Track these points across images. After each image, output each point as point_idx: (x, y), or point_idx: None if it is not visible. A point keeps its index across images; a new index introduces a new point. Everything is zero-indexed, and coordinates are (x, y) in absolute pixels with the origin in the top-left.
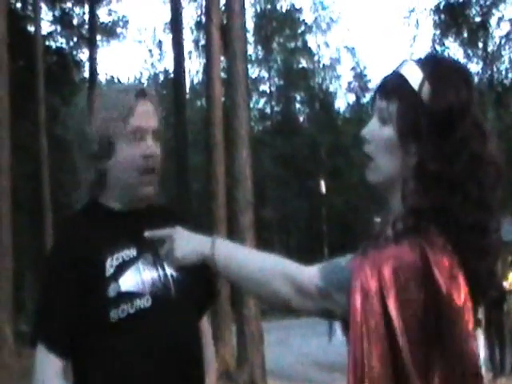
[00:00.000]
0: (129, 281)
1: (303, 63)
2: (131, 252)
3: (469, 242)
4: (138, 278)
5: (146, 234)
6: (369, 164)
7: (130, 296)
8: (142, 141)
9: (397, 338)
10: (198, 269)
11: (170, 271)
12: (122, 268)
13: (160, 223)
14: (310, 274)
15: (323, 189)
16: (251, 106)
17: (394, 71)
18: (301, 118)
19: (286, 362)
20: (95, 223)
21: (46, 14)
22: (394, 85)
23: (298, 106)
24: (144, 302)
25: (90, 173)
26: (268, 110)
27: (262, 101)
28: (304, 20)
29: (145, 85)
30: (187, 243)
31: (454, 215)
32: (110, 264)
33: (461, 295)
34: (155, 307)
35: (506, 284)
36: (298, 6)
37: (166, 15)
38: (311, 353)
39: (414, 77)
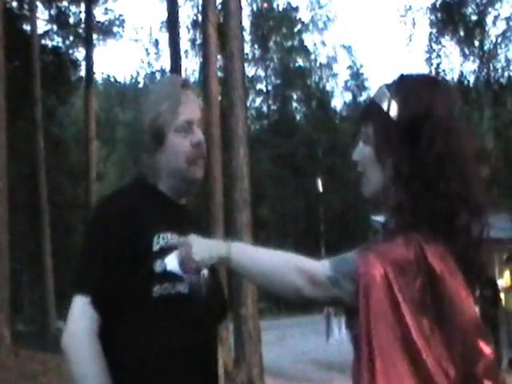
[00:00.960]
0: (173, 263)
1: (300, 62)
2: (175, 237)
3: (441, 228)
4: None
5: (169, 242)
6: (362, 181)
7: (173, 277)
8: (190, 130)
9: (401, 313)
10: (218, 285)
11: (203, 271)
12: (166, 249)
13: (194, 222)
14: (321, 265)
15: (320, 187)
16: (248, 104)
17: (370, 99)
18: (298, 117)
19: (283, 360)
20: (145, 200)
21: (42, 13)
22: (369, 110)
23: (294, 104)
24: (183, 288)
25: (144, 162)
26: (265, 109)
27: (259, 100)
28: (301, 19)
29: (142, 84)
30: (204, 247)
31: (425, 207)
32: (157, 241)
33: (455, 276)
34: (191, 297)
35: (501, 282)
36: (294, 5)
37: (163, 14)
38: (309, 351)
39: (384, 99)
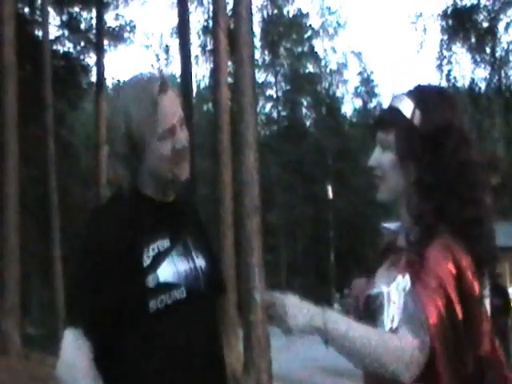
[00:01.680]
0: (166, 272)
1: (310, 68)
2: (165, 242)
3: (468, 233)
4: (173, 269)
5: (264, 297)
6: (379, 186)
7: (168, 287)
8: (172, 135)
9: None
10: (216, 261)
11: (198, 263)
12: (158, 259)
13: (187, 215)
14: (410, 344)
15: (330, 194)
16: (258, 110)
17: (388, 106)
18: (307, 123)
19: (292, 366)
20: (132, 210)
21: (53, 19)
22: (390, 117)
23: (304, 110)
24: (180, 293)
25: (126, 170)
26: (275, 115)
27: (269, 105)
28: (311, 25)
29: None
30: (298, 312)
31: (452, 214)
32: (147, 254)
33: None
34: (189, 299)
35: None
36: (304, 11)
37: (173, 20)
38: (317, 358)
39: (406, 107)
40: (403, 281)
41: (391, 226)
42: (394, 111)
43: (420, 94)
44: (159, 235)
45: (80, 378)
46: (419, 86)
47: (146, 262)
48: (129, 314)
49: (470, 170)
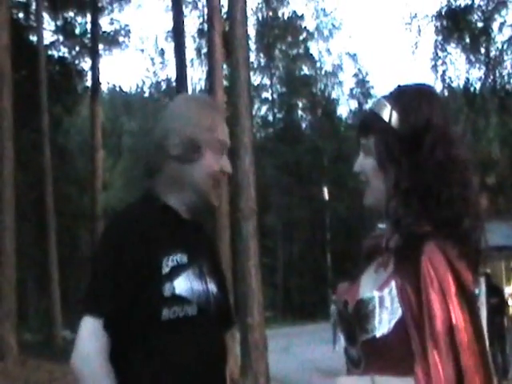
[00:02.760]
0: (182, 285)
1: (305, 70)
2: (184, 258)
3: (448, 232)
4: (189, 285)
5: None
6: (365, 191)
7: (182, 300)
8: (221, 154)
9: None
10: (226, 292)
11: (211, 287)
12: (176, 270)
13: (203, 237)
14: None
15: (326, 196)
16: (253, 113)
17: (368, 110)
18: (303, 125)
19: (289, 369)
20: (155, 220)
21: (48, 24)
22: (369, 122)
23: (300, 113)
24: (192, 310)
25: (169, 170)
26: (270, 118)
27: (265, 108)
28: (306, 27)
29: (147, 93)
30: None
31: (431, 215)
32: (166, 263)
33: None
34: (199, 317)
35: (508, 289)
36: (299, 14)
37: (168, 23)
38: (315, 360)
39: (384, 110)
40: (395, 286)
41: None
42: (372, 115)
43: (397, 95)
44: (179, 249)
45: (97, 371)
46: (398, 86)
47: (165, 270)
48: (142, 318)
49: (449, 169)
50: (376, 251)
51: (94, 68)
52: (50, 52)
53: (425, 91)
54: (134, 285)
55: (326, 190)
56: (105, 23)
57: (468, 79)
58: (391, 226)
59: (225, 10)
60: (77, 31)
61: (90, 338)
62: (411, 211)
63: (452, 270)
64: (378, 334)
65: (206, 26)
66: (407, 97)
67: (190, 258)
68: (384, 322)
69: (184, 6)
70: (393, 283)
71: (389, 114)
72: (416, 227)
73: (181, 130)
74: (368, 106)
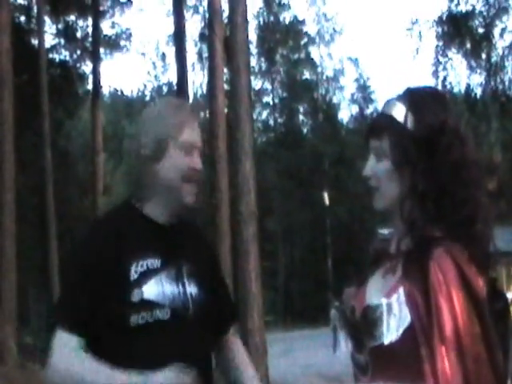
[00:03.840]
0: (152, 290)
1: (306, 75)
2: (156, 262)
3: (461, 234)
4: (160, 289)
5: None
6: (375, 195)
7: (151, 305)
8: (191, 153)
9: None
10: (217, 288)
11: (189, 290)
12: (145, 275)
13: (188, 240)
14: None
15: (327, 200)
16: (254, 117)
17: (380, 112)
18: (304, 130)
19: (290, 373)
20: (127, 225)
21: (49, 28)
22: (383, 124)
23: (301, 117)
24: (164, 314)
25: (141, 174)
26: (271, 122)
27: (266, 112)
28: (307, 32)
29: (149, 97)
30: None
31: (446, 216)
32: (135, 270)
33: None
34: (173, 322)
35: (510, 295)
36: (301, 18)
37: (170, 28)
38: (315, 364)
39: (399, 112)
40: (404, 292)
41: (387, 232)
42: (386, 117)
43: (411, 97)
44: (150, 254)
45: (66, 375)
46: (409, 88)
47: (134, 276)
48: (111, 324)
49: (464, 169)
50: (383, 255)
51: (95, 71)
52: (51, 55)
53: (436, 94)
54: (101, 291)
55: (326, 195)
56: (106, 27)
57: (469, 84)
58: (405, 228)
59: (226, 14)
60: (78, 35)
61: (62, 342)
62: (426, 213)
63: (461, 275)
64: (386, 341)
65: (207, 30)
66: (422, 99)
67: (165, 261)
68: (392, 329)
69: (185, 11)
70: (401, 289)
71: (404, 116)
72: (428, 230)
73: (149, 131)
74: (369, 110)
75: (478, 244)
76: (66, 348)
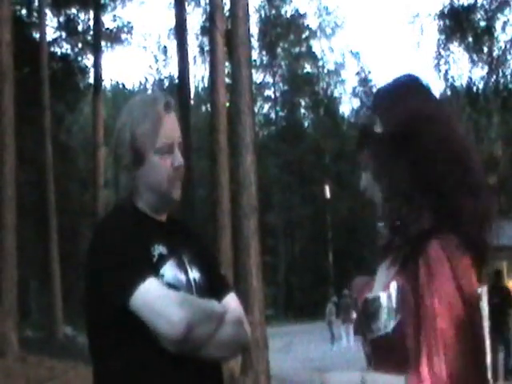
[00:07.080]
0: (169, 274)
1: (308, 68)
2: (164, 249)
3: (453, 226)
4: (174, 273)
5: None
6: (375, 207)
7: (171, 287)
8: (171, 152)
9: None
10: (211, 268)
11: (192, 276)
12: (161, 260)
13: (181, 232)
14: None
15: (328, 194)
16: (255, 111)
17: (358, 126)
18: (305, 124)
19: (290, 367)
20: (133, 221)
21: (50, 21)
22: (359, 136)
23: (302, 111)
24: None
25: (123, 178)
26: (272, 116)
27: (267, 106)
28: (308, 25)
29: (151, 90)
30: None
31: (432, 208)
32: (153, 253)
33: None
34: None
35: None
36: (302, 12)
37: (171, 21)
38: (315, 358)
39: (368, 119)
40: (397, 286)
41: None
42: (360, 129)
43: (376, 99)
44: (158, 241)
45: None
46: (377, 89)
47: (154, 260)
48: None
49: (444, 154)
50: (390, 247)
51: (97, 65)
52: (52, 49)
53: (401, 84)
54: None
55: (327, 189)
56: (107, 20)
57: (471, 78)
58: (388, 229)
59: (227, 7)
60: (79, 28)
61: (159, 292)
62: (415, 207)
63: (452, 270)
64: (382, 333)
65: (208, 23)
66: (387, 95)
67: (169, 250)
68: (387, 322)
69: (187, 4)
70: (395, 283)
71: (371, 122)
72: (419, 225)
73: (124, 141)
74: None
75: (470, 234)
76: (161, 289)
